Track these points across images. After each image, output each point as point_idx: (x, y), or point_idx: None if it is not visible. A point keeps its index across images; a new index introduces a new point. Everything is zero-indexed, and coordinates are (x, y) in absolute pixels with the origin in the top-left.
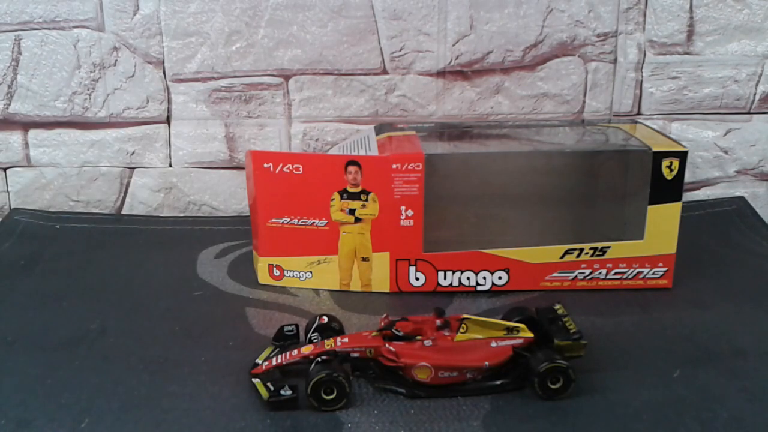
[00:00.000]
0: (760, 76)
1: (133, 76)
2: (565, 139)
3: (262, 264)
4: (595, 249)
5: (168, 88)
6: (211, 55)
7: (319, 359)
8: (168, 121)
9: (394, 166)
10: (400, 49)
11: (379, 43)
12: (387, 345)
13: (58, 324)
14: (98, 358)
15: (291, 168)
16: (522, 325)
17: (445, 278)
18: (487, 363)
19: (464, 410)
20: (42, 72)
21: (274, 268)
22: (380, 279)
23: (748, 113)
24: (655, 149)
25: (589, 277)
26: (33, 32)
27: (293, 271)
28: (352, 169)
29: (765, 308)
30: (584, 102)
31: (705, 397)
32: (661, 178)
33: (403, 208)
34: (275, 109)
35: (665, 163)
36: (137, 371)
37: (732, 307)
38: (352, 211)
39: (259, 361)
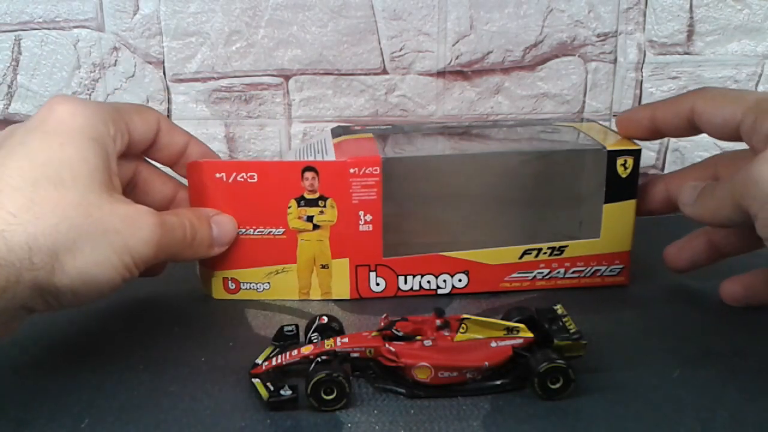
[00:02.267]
0: (760, 76)
1: (133, 76)
2: (521, 139)
3: (216, 278)
4: (552, 248)
5: (168, 88)
6: (211, 55)
7: (319, 359)
8: None
9: (351, 170)
10: (400, 49)
11: (379, 43)
12: (387, 345)
13: (58, 324)
14: (98, 358)
15: (245, 177)
16: (522, 325)
17: (405, 283)
18: (487, 363)
19: (464, 410)
20: (42, 72)
21: (230, 282)
22: (340, 286)
23: None
24: (609, 147)
25: (547, 276)
26: (33, 32)
27: (250, 283)
28: (308, 175)
29: (765, 308)
30: (584, 102)
31: (705, 397)
32: (615, 176)
33: (361, 213)
34: (275, 109)
35: (620, 161)
36: (137, 371)
37: (732, 307)
38: (310, 218)
39: (259, 361)
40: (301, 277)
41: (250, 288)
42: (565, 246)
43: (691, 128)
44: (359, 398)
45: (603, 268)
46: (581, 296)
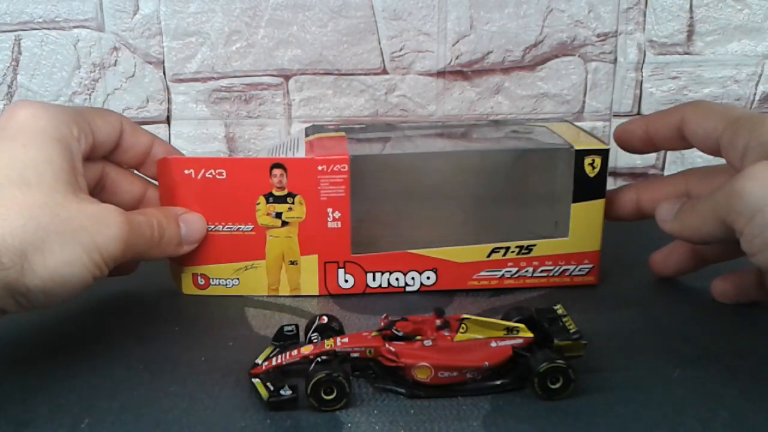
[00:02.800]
0: (760, 76)
1: (133, 76)
2: (492, 138)
3: (186, 274)
4: (521, 247)
5: (168, 88)
6: (211, 55)
7: (319, 359)
8: (168, 121)
9: (319, 168)
10: (400, 49)
11: (379, 43)
12: (387, 345)
13: (57, 323)
14: (98, 358)
15: (214, 173)
16: (522, 325)
17: (374, 280)
18: (487, 363)
19: (464, 410)
20: (42, 72)
21: (199, 277)
22: (309, 282)
23: None
24: (577, 147)
25: (516, 275)
26: (33, 32)
27: (219, 279)
28: (277, 171)
29: (765, 308)
30: (584, 102)
31: (705, 397)
32: (584, 175)
33: (330, 210)
34: (275, 109)
35: (587, 160)
36: (137, 371)
37: (732, 307)
38: (278, 215)
39: (259, 361)
40: (270, 274)
41: (219, 284)
42: (534, 245)
43: (682, 140)
44: (359, 398)
45: (572, 267)
46: (580, 296)
